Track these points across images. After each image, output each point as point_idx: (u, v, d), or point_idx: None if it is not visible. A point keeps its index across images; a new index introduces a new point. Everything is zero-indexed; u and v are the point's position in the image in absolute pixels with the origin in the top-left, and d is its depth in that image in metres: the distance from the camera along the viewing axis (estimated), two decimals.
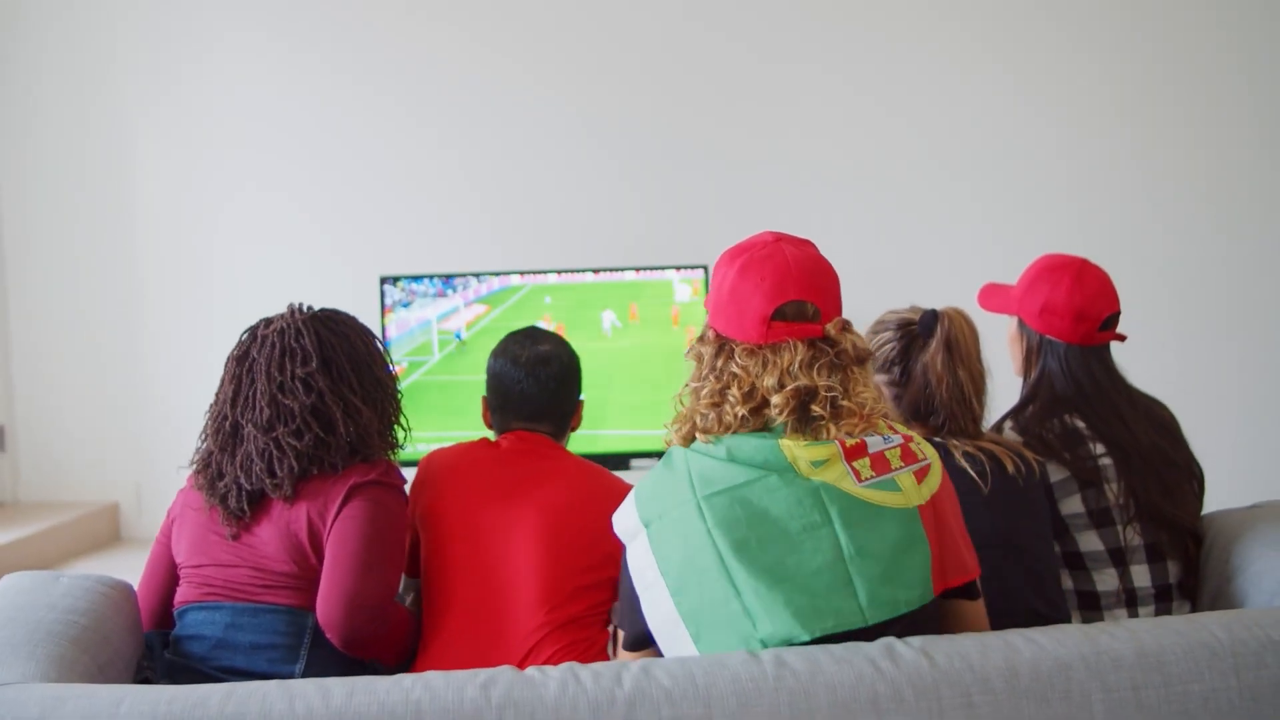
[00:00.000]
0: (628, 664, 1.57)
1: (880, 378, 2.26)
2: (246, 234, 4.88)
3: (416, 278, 4.14)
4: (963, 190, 4.67)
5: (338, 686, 1.51)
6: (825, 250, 1.79)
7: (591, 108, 4.76)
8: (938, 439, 2.18)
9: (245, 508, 2.08)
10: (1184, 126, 4.62)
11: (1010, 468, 2.11)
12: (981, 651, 1.55)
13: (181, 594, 2.13)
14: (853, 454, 1.66)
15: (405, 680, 1.53)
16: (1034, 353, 2.41)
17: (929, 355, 2.17)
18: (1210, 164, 4.62)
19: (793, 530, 1.62)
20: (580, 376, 2.43)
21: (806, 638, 1.58)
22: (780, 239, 1.78)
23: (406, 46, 4.79)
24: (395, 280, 4.15)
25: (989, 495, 2.06)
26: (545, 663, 1.96)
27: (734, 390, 1.71)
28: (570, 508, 2.18)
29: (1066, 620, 2.10)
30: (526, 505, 2.18)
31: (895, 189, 4.67)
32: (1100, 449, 2.29)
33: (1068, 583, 2.27)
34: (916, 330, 2.22)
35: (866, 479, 1.65)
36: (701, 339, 1.80)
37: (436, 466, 2.27)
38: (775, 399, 1.68)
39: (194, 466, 2.19)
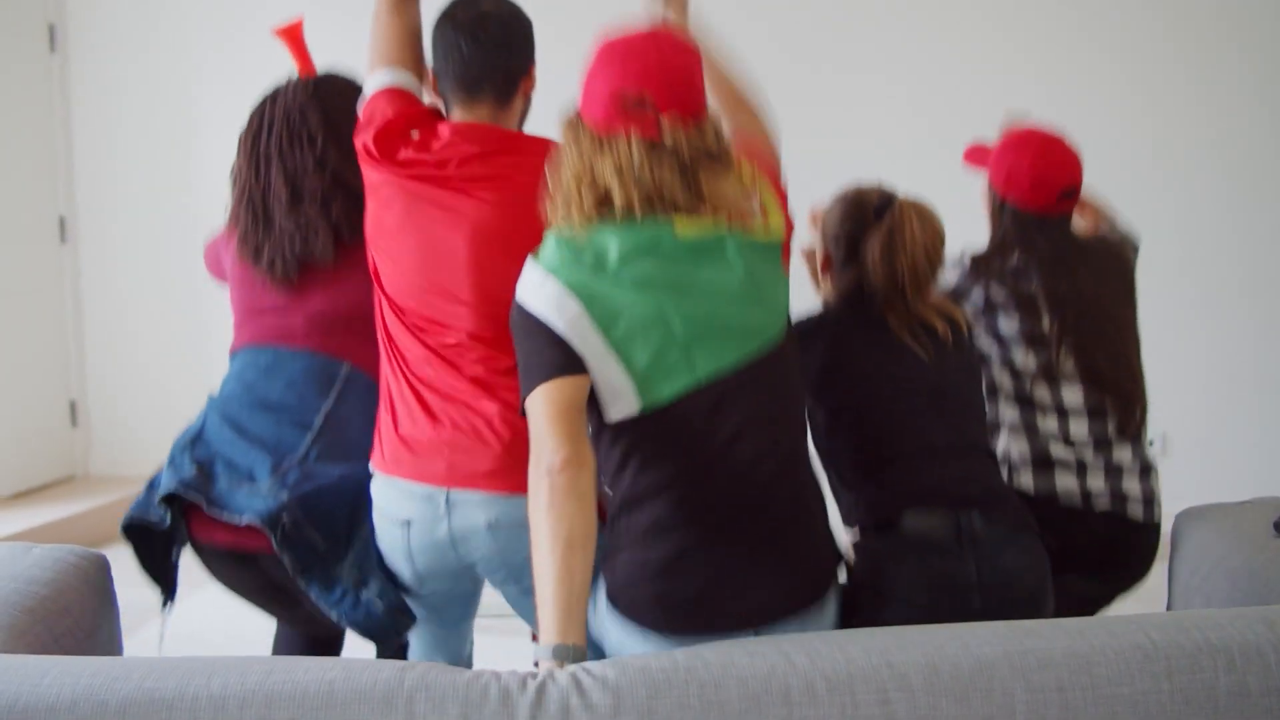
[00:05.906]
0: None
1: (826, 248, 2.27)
2: None
3: None
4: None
5: (256, 665, 1.53)
6: None
7: None
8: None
9: (292, 275, 2.27)
10: (1207, 122, 4.48)
11: (940, 328, 2.12)
12: (902, 647, 1.51)
13: (236, 339, 2.36)
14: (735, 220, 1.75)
15: (326, 662, 1.55)
16: (996, 214, 2.50)
17: (871, 240, 2.12)
18: (1233, 157, 4.48)
19: (699, 251, 1.72)
20: (531, 40, 2.21)
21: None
22: (654, 33, 1.79)
23: None
24: None
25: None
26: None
27: (583, 177, 1.73)
28: (503, 229, 2.03)
29: (986, 451, 2.14)
30: (456, 228, 2.05)
31: (934, 187, 4.54)
32: (1036, 283, 2.38)
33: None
34: (870, 210, 2.17)
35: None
36: (569, 122, 1.79)
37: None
38: (616, 194, 1.70)
39: (230, 236, 2.39)
